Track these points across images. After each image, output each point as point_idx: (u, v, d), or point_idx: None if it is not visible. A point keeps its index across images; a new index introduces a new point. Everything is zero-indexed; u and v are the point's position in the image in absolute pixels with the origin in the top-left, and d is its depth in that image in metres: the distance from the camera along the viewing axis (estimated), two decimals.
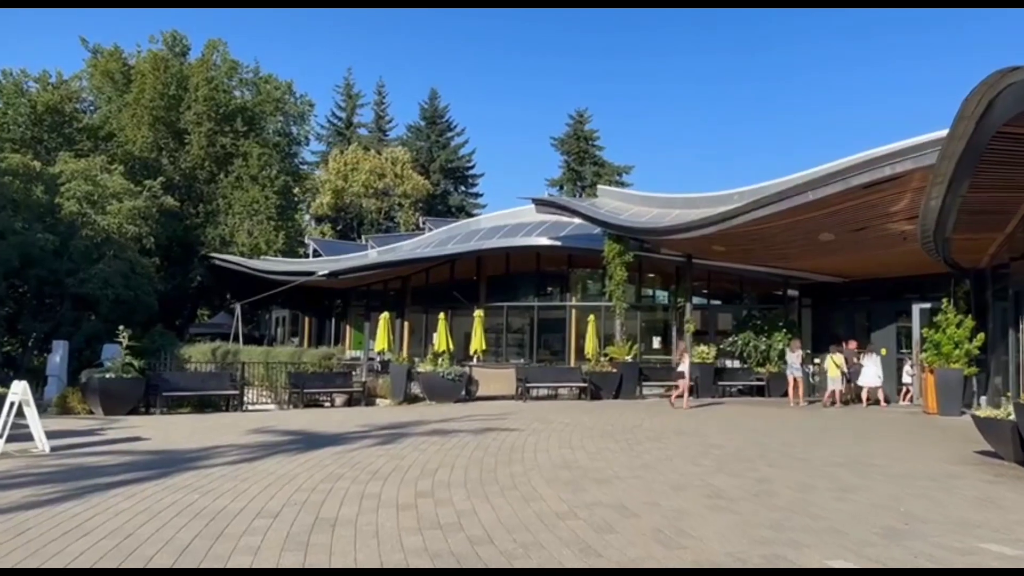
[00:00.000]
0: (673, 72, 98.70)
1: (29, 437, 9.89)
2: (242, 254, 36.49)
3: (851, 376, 19.90)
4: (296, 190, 48.71)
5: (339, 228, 57.94)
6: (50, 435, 11.27)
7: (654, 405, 18.24)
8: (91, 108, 43.65)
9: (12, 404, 9.49)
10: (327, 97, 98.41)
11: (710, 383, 21.48)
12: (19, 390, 9.49)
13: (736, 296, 25.94)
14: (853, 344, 20.54)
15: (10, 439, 9.97)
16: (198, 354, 24.63)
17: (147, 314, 31.73)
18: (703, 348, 21.72)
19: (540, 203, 23.41)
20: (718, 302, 26.10)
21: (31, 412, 9.60)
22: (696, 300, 23.35)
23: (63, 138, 37.30)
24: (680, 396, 17.76)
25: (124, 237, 30.62)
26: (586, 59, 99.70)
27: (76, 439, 10.94)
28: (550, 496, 6.88)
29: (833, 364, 19.47)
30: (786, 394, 22.53)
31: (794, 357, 19.67)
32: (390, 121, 71.02)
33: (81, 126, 38.77)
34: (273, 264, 32.25)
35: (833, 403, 19.20)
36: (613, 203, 22.66)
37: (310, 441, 10.91)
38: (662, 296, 27.41)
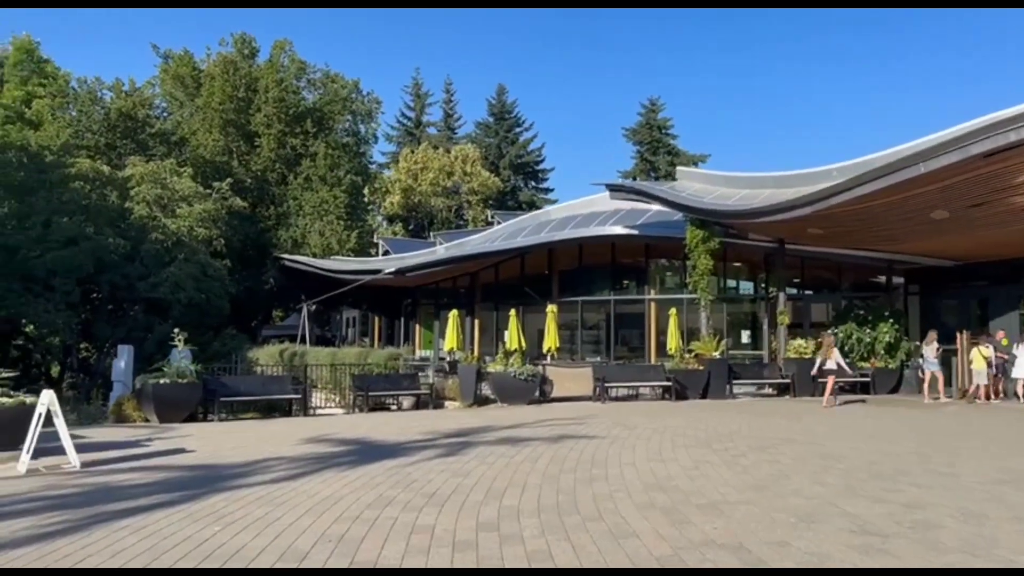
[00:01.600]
0: (749, 55, 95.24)
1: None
2: (314, 255, 36.13)
3: (999, 370, 17.96)
4: (366, 190, 48.38)
5: (411, 228, 57.58)
6: (93, 447, 10.49)
7: (748, 406, 16.53)
8: (164, 114, 44.13)
9: (40, 415, 8.63)
10: (396, 98, 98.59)
11: (808, 380, 19.55)
12: (46, 400, 8.62)
13: (833, 284, 23.84)
14: (1000, 334, 18.44)
15: (47, 453, 9.15)
16: (266, 356, 24.06)
17: (219, 317, 31.50)
18: (800, 342, 19.83)
19: (615, 189, 21.87)
20: (811, 291, 24.06)
21: (60, 423, 8.72)
22: (787, 290, 21.41)
23: (136, 144, 37.61)
24: (832, 394, 16.58)
25: (194, 240, 30.45)
26: (656, 47, 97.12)
27: (116, 452, 10.06)
28: (645, 531, 5.47)
29: (980, 356, 17.45)
30: (893, 391, 20.63)
31: (929, 350, 17.77)
32: (458, 119, 70.60)
33: (153, 131, 39.07)
34: (340, 263, 31.64)
35: (978, 398, 17.38)
36: (695, 185, 20.95)
37: (366, 452, 9.76)
38: (746, 287, 25.53)
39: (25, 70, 43.02)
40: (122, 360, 20.88)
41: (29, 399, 9.05)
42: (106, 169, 30.21)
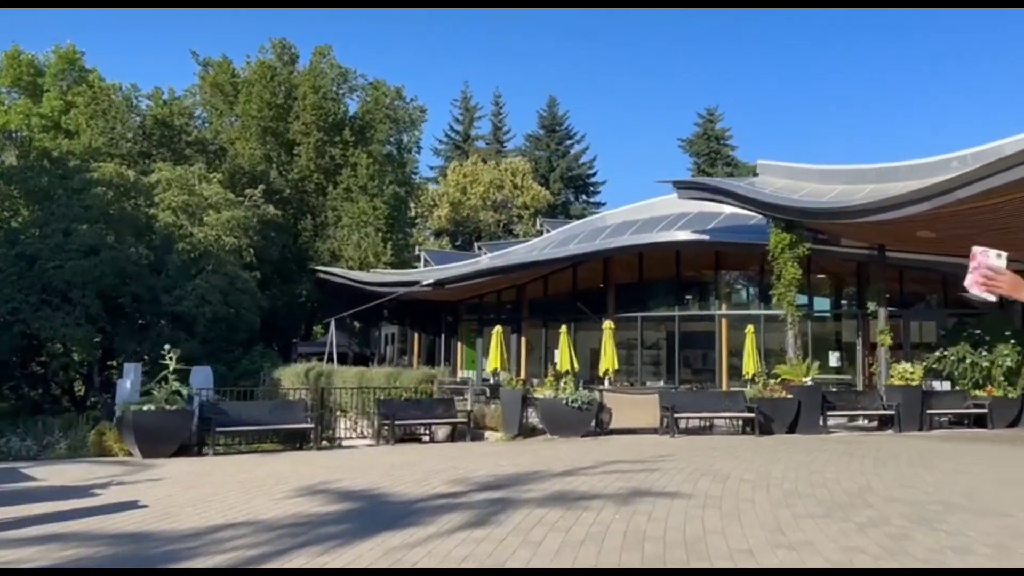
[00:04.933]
0: (809, 64, 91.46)
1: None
2: (351, 268, 34.04)
3: None
4: (412, 205, 46.42)
5: (458, 243, 55.49)
6: (28, 496, 8.24)
7: (852, 445, 13.50)
8: (204, 124, 42.77)
9: None
10: (444, 112, 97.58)
11: (916, 412, 16.44)
12: None
13: (937, 298, 20.65)
14: None
15: None
16: (290, 376, 21.79)
17: (248, 332, 29.52)
18: (905, 366, 16.73)
19: (683, 186, 19.06)
20: (907, 307, 20.80)
21: None
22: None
23: (172, 153, 36.12)
24: None
25: (222, 250, 28.51)
26: (712, 55, 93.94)
27: (48, 505, 7.68)
28: None
29: None
30: (1013, 424, 17.45)
31: None
32: (507, 132, 68.81)
33: (190, 139, 37.58)
34: (376, 275, 29.40)
35: None
36: (779, 182, 18.06)
37: (367, 515, 7.20)
38: (822, 303, 22.44)
39: (67, 80, 42.25)
40: (127, 380, 18.58)
41: None
42: (131, 174, 28.51)
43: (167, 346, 12.94)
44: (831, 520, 6.72)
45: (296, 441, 14.21)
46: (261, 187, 31.96)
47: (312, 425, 13.62)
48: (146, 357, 26.71)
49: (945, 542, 5.90)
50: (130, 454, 12.33)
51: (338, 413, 17.79)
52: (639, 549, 5.70)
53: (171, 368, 12.62)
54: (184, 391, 12.52)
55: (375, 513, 7.32)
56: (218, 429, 12.69)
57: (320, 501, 7.93)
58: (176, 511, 7.53)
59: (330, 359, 23.66)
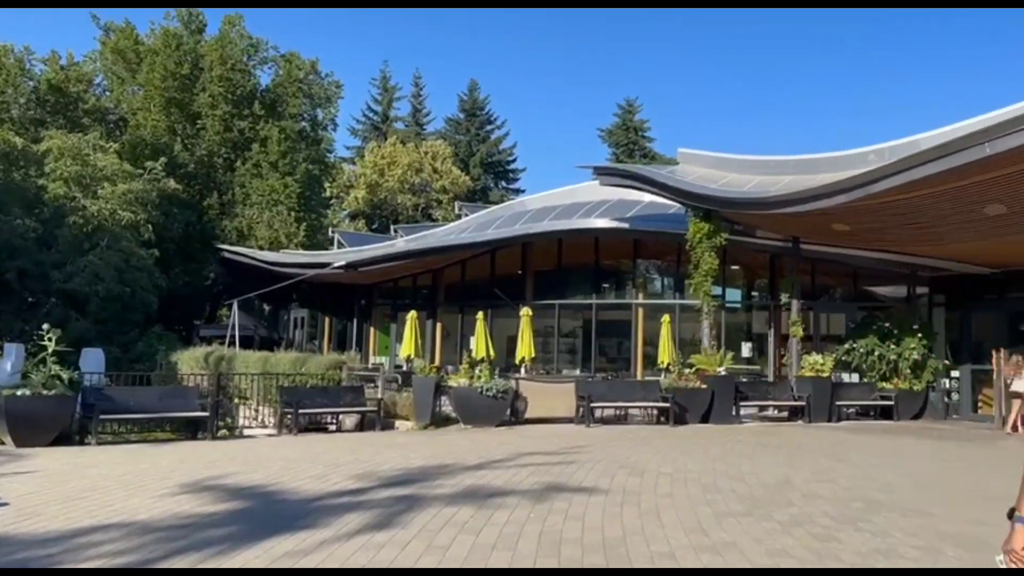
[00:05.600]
0: (729, 56, 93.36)
1: None
2: (260, 248, 32.60)
3: None
4: (327, 185, 44.94)
5: (375, 226, 54.21)
6: None
7: (766, 435, 13.50)
8: (105, 93, 40.24)
9: None
10: (362, 91, 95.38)
11: (826, 403, 16.67)
12: None
13: (845, 292, 21.05)
14: None
15: None
16: (188, 360, 20.57)
17: (145, 313, 27.88)
18: (816, 358, 16.93)
19: (603, 172, 18.76)
20: (817, 300, 21.14)
21: None
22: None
23: (68, 121, 33.75)
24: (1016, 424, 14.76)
25: (118, 225, 26.74)
26: (634, 47, 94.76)
27: None
28: None
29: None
30: (917, 416, 18.00)
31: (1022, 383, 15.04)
32: (428, 115, 67.56)
33: (87, 107, 35.22)
34: (285, 256, 28.20)
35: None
36: (699, 170, 17.95)
37: (258, 516, 6.52)
38: (735, 294, 22.62)
39: None
40: (8, 362, 17.04)
41: None
42: (18, 142, 26.41)
43: (45, 326, 11.80)
44: (753, 519, 6.44)
45: (192, 430, 13.24)
46: (163, 160, 30.06)
47: (207, 413, 12.67)
48: (34, 337, 24.81)
49: (872, 544, 5.67)
50: (2, 443, 11.19)
51: (239, 401, 16.84)
52: (555, 553, 5.26)
53: (51, 350, 11.53)
54: (65, 375, 11.42)
55: (267, 513, 6.64)
56: (103, 416, 11.66)
57: (207, 499, 7.19)
58: (41, 510, 6.68)
59: (232, 343, 22.48)
